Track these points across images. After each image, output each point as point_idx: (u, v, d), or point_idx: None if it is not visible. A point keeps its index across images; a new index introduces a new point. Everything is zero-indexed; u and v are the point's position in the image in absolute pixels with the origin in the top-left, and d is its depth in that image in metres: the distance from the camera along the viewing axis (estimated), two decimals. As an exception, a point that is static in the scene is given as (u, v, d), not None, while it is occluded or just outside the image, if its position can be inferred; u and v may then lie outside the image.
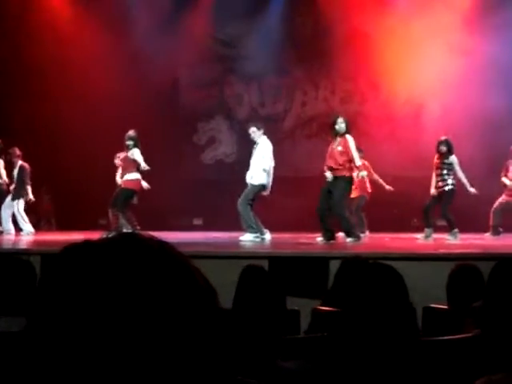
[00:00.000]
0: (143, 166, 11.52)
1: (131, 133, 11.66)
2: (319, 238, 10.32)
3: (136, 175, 11.65)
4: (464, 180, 11.21)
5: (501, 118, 13.59)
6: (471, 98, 13.81)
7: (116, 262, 0.99)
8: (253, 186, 10.80)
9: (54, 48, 14.96)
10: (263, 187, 10.83)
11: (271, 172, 10.86)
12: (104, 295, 0.96)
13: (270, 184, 10.87)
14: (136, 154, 11.60)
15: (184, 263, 1.04)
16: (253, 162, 10.86)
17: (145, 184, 11.73)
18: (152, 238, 1.05)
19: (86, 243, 1.04)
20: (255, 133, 10.92)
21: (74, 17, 15.45)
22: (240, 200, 10.82)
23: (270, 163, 10.79)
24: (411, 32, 14.59)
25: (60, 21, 15.48)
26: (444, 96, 14.71)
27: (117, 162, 12.52)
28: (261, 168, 10.67)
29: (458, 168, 11.18)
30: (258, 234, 10.63)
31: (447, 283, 4.13)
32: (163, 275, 0.99)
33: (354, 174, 10.60)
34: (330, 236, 10.16)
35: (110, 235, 1.06)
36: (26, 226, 12.66)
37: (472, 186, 11.20)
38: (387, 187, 12.58)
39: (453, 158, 11.22)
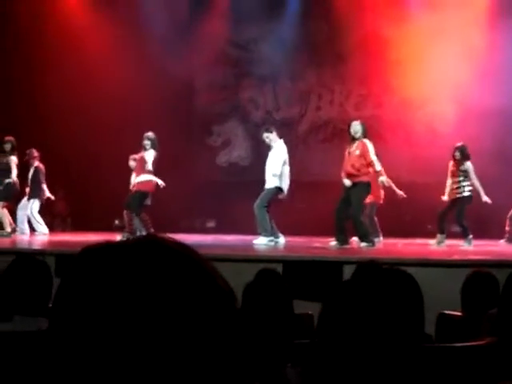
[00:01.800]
0: (148, 167, 11.55)
1: (150, 134, 11.70)
2: (333, 243, 10.31)
3: (149, 177, 11.67)
4: (479, 188, 11.13)
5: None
6: (487, 102, 13.74)
7: (138, 266, 0.99)
8: (268, 189, 10.83)
9: (70, 51, 15.03)
10: (279, 190, 10.83)
11: (287, 176, 10.86)
12: (126, 299, 0.97)
13: (287, 187, 10.86)
14: (149, 154, 11.64)
15: (206, 267, 1.04)
16: (268, 165, 10.88)
17: (159, 181, 11.71)
18: (174, 242, 1.05)
19: (108, 245, 1.04)
20: (269, 137, 10.94)
21: (90, 21, 15.46)
22: (256, 203, 10.84)
23: (281, 167, 10.77)
24: (426, 36, 14.57)
25: (76, 25, 15.52)
26: (459, 100, 14.65)
27: (131, 163, 12.55)
28: (272, 172, 10.70)
29: (473, 175, 11.12)
30: (272, 238, 10.65)
31: (462, 290, 4.12)
32: (185, 279, 1.00)
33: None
34: (343, 240, 10.14)
35: (131, 238, 1.06)
36: (41, 228, 12.69)
37: (486, 194, 11.13)
38: (399, 193, 12.50)
39: (468, 165, 11.16)
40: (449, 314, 4.15)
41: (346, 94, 16.09)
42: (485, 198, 11.07)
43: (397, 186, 12.67)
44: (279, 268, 5.93)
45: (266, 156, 13.67)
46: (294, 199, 15.13)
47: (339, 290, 1.97)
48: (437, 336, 3.90)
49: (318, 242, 11.34)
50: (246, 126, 16.51)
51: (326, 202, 12.78)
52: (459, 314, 4.06)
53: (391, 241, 12.36)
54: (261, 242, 10.53)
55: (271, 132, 10.99)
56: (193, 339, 0.97)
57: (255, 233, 12.58)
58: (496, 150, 13.32)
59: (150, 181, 11.69)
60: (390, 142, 14.25)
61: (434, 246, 11.01)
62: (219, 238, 12.72)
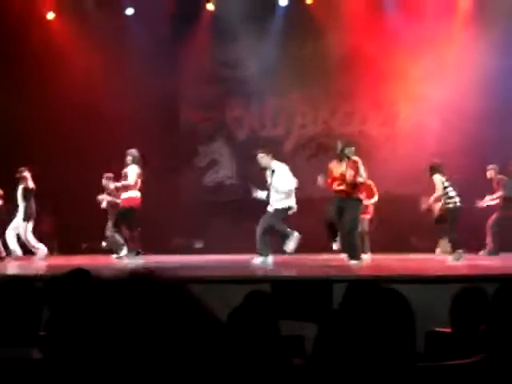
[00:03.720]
0: (130, 182, 11.50)
1: (132, 150, 11.73)
2: (335, 246, 10.60)
3: (133, 193, 11.62)
4: (431, 200, 11.51)
5: (500, 133, 13.60)
6: (470, 114, 13.83)
7: (134, 302, 0.99)
8: (277, 210, 10.87)
9: (52, 71, 15.03)
10: (289, 209, 10.93)
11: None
12: (124, 336, 0.97)
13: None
14: (130, 170, 11.60)
15: (197, 305, 1.04)
16: (274, 187, 10.88)
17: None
18: (165, 280, 1.05)
19: (98, 281, 1.04)
20: (264, 158, 10.98)
21: (73, 39, 15.48)
22: (261, 224, 10.81)
23: (294, 183, 10.96)
24: (408, 51, 14.67)
25: (58, 44, 15.55)
26: (443, 113, 14.76)
27: (104, 182, 12.60)
28: (286, 191, 10.83)
29: (436, 187, 11.33)
30: (269, 257, 10.68)
31: (451, 306, 4.10)
32: (176, 318, 1.00)
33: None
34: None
35: (123, 275, 1.06)
36: (39, 251, 12.46)
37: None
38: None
39: (433, 178, 11.30)
40: (438, 332, 4.13)
41: (331, 111, 16.14)
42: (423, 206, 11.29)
43: (386, 200, 12.74)
44: (267, 288, 5.92)
45: (252, 175, 13.72)
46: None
47: (331, 311, 1.97)
48: (427, 354, 3.89)
49: (306, 260, 11.34)
50: (231, 146, 16.53)
51: (315, 217, 12.79)
52: (449, 330, 4.04)
53: (379, 256, 12.39)
54: (259, 261, 10.54)
55: (267, 154, 11.04)
56: (181, 368, 0.97)
57: (243, 252, 12.59)
58: (479, 160, 13.38)
59: (135, 197, 11.63)
60: (377, 156, 14.30)
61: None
62: (207, 258, 12.69)
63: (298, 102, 16.15)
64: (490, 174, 12.83)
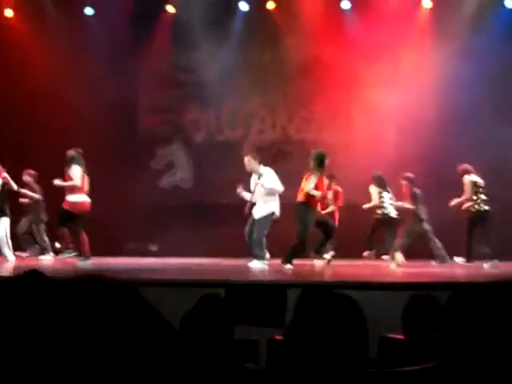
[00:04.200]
0: (76, 182, 11.36)
1: (70, 151, 11.57)
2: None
3: (80, 197, 11.47)
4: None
5: (457, 141, 13.76)
6: (427, 123, 13.98)
7: (79, 304, 0.98)
8: (263, 217, 11.04)
9: (10, 66, 14.84)
10: (273, 214, 11.10)
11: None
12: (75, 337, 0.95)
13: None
14: (73, 170, 11.44)
15: (147, 307, 1.03)
16: (261, 192, 11.05)
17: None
18: (115, 282, 1.04)
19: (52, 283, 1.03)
20: (250, 162, 11.18)
21: (32, 36, 15.30)
22: (256, 232, 11.02)
23: (281, 187, 11.14)
24: (368, 59, 14.79)
25: (18, 39, 15.34)
26: (400, 121, 14.87)
27: (25, 178, 12.44)
28: (273, 194, 11.07)
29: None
30: (265, 261, 10.88)
31: (403, 312, 4.13)
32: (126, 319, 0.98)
33: None
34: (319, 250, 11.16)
35: (76, 275, 1.04)
36: (9, 253, 12.13)
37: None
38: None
39: (370, 188, 12.25)
40: (391, 338, 4.16)
41: (289, 118, 16.18)
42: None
43: (342, 208, 12.87)
44: (222, 292, 5.90)
45: (208, 178, 13.69)
46: (235, 222, 15.15)
47: (282, 317, 1.96)
48: (379, 360, 3.90)
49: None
50: (189, 149, 16.47)
51: (272, 223, 12.77)
52: (401, 337, 4.07)
53: (334, 262, 12.46)
54: (256, 265, 10.68)
55: (255, 158, 11.23)
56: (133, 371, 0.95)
57: (198, 255, 12.58)
58: (432, 172, 13.55)
59: (83, 202, 11.45)
60: (333, 164, 14.36)
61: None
62: (162, 261, 12.63)
63: (256, 107, 16.16)
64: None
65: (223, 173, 15.26)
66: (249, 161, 11.22)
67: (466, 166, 12.47)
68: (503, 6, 14.81)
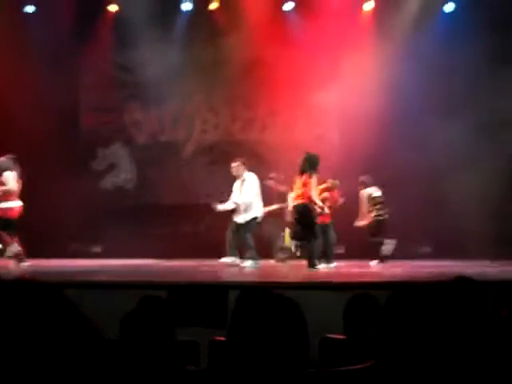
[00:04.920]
0: (10, 189, 11.14)
1: (2, 158, 11.31)
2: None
3: (12, 203, 11.24)
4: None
5: (399, 142, 13.93)
6: (368, 123, 14.10)
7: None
8: (248, 221, 11.48)
9: None
10: (255, 219, 11.60)
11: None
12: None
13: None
14: (6, 176, 11.19)
15: (70, 308, 1.03)
16: (243, 197, 11.49)
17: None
18: (39, 283, 1.03)
19: None
20: (239, 167, 11.56)
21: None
22: (242, 236, 11.46)
23: (258, 193, 11.67)
24: (309, 60, 14.87)
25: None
26: (344, 125, 14.99)
27: None
28: (254, 202, 11.51)
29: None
30: (258, 262, 11.35)
31: (343, 312, 4.16)
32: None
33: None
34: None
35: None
36: None
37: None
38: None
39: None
40: (331, 338, 4.19)
41: (232, 118, 16.18)
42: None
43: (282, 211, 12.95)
44: (164, 294, 5.87)
45: (151, 179, 13.61)
46: (178, 223, 15.11)
47: (224, 318, 1.96)
48: (320, 360, 3.93)
49: (204, 266, 11.34)
50: (131, 149, 16.34)
51: (212, 224, 12.82)
52: (342, 337, 4.10)
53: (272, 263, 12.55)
54: (249, 264, 11.19)
55: (243, 164, 11.59)
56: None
57: (142, 256, 12.50)
58: (376, 173, 13.70)
59: (14, 207, 11.25)
60: (274, 165, 14.43)
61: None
62: (105, 263, 12.51)
63: (198, 107, 16.11)
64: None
65: (166, 173, 15.21)
66: (238, 166, 11.60)
67: (362, 178, 12.84)
68: (443, 10, 15.10)
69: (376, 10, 15.17)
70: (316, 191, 11.12)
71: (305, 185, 10.96)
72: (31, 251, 11.42)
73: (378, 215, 12.48)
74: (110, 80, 16.10)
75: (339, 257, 12.56)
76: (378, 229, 12.39)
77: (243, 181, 11.61)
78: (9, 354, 0.95)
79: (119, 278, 9.05)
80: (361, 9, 15.34)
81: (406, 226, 12.81)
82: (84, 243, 15.34)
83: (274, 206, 12.96)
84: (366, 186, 12.73)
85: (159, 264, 12.42)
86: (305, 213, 10.89)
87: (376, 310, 3.97)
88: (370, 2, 15.27)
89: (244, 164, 11.69)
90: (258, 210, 11.63)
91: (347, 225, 12.27)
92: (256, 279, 9.16)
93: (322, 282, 8.16)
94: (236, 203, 11.56)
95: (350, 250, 13.45)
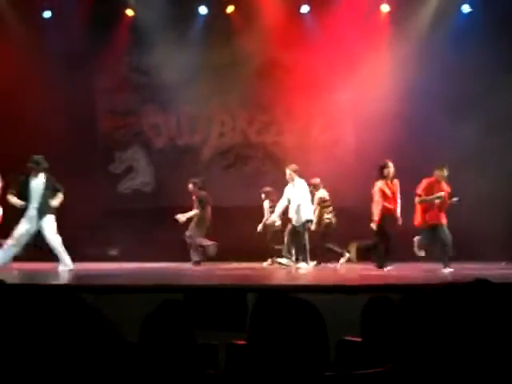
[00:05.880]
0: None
1: None
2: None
3: None
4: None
5: (415, 144, 13.90)
6: (385, 125, 14.08)
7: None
8: (302, 224, 12.30)
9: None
10: (307, 222, 12.39)
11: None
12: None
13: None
14: None
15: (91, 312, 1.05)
16: (295, 202, 12.31)
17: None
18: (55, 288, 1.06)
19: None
20: (292, 174, 12.38)
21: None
22: (298, 239, 12.34)
23: (309, 198, 12.47)
24: (328, 64, 14.87)
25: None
26: (360, 127, 14.96)
27: None
28: (306, 206, 12.29)
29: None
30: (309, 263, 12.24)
31: (361, 315, 4.16)
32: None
33: None
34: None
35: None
36: None
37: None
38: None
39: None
40: (349, 340, 4.19)
41: (249, 121, 16.20)
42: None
43: None
44: (180, 298, 5.89)
45: (169, 182, 13.65)
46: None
47: (242, 321, 1.98)
48: (337, 362, 3.94)
49: (219, 270, 11.36)
50: (148, 153, 16.40)
51: (230, 227, 12.84)
52: (359, 339, 4.10)
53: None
54: (303, 266, 12.04)
55: (296, 171, 12.41)
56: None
57: (158, 260, 12.54)
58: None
59: None
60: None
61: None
62: (121, 266, 12.55)
63: (216, 111, 16.15)
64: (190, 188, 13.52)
65: (183, 176, 15.25)
66: (293, 171, 12.42)
67: (313, 181, 13.10)
68: (460, 11, 15.05)
69: (393, 11, 15.15)
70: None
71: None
72: (47, 255, 11.50)
73: (328, 218, 12.86)
74: (127, 83, 16.18)
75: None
76: (326, 231, 12.84)
77: (294, 185, 12.37)
78: (31, 358, 0.98)
79: (136, 281, 9.09)
80: (377, 10, 15.31)
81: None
82: (100, 246, 15.39)
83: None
84: (318, 188, 12.98)
85: (176, 267, 12.45)
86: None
87: (393, 312, 3.96)
88: (385, 4, 15.25)
89: (296, 171, 12.45)
90: (309, 213, 12.36)
91: (362, 227, 12.23)
92: (274, 282, 9.16)
93: (339, 285, 8.15)
94: (286, 207, 12.45)
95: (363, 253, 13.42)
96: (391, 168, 11.44)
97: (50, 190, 11.28)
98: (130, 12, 15.77)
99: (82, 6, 15.35)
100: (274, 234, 13.24)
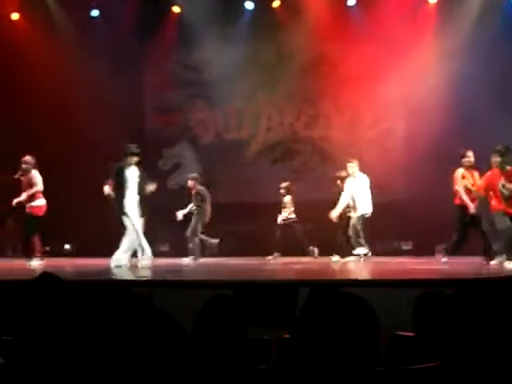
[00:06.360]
0: (39, 188, 11.50)
1: (27, 157, 11.65)
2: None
3: (40, 201, 11.63)
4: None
5: (463, 138, 13.73)
6: (435, 121, 13.93)
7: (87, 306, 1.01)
8: (361, 216, 12.40)
9: (18, 70, 14.92)
10: (365, 214, 12.48)
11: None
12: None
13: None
14: (35, 176, 11.61)
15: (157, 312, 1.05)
16: (359, 194, 12.46)
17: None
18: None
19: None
20: (353, 168, 12.55)
21: (38, 40, 15.31)
22: (350, 231, 12.40)
23: (368, 192, 12.55)
24: (375, 57, 14.76)
25: (24, 42, 15.39)
26: (409, 119, 14.84)
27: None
28: (367, 199, 12.43)
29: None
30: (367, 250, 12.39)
31: (413, 310, 4.13)
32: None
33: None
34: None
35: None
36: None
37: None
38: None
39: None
40: (401, 335, 4.16)
41: (297, 115, 16.16)
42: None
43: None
44: (230, 293, 5.89)
45: (215, 178, 13.68)
46: (243, 221, 15.13)
47: (294, 317, 1.98)
48: (388, 357, 3.91)
49: (267, 264, 11.37)
50: (196, 149, 16.47)
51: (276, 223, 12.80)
52: (411, 334, 4.06)
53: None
54: (359, 251, 12.25)
55: (355, 164, 12.55)
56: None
57: (206, 255, 12.59)
58: (444, 167, 13.51)
59: (43, 205, 11.60)
60: (342, 161, 14.35)
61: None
62: (172, 262, 12.64)
63: (263, 105, 16.15)
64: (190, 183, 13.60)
65: (230, 172, 15.28)
66: (353, 166, 12.55)
67: (286, 184, 13.58)
68: (508, 1, 14.79)
69: (440, 2, 14.97)
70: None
71: None
72: (105, 250, 11.62)
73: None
74: (174, 80, 16.27)
75: (407, 253, 12.47)
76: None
77: (356, 180, 12.48)
78: (98, 349, 0.99)
79: (185, 277, 9.14)
80: (425, 2, 15.14)
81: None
82: (151, 242, 15.50)
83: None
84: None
85: (224, 262, 12.49)
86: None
87: (446, 307, 3.91)
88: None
89: (357, 165, 12.55)
90: (367, 206, 12.38)
91: (416, 220, 12.12)
92: (325, 277, 9.12)
93: (391, 279, 8.09)
94: (348, 200, 12.50)
95: (419, 246, 13.31)
96: (469, 158, 11.15)
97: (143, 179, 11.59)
98: (176, 9, 15.89)
99: (128, 4, 15.51)
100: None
